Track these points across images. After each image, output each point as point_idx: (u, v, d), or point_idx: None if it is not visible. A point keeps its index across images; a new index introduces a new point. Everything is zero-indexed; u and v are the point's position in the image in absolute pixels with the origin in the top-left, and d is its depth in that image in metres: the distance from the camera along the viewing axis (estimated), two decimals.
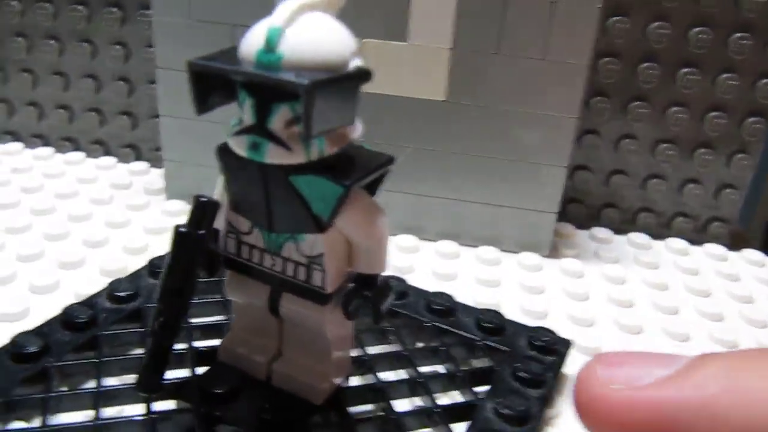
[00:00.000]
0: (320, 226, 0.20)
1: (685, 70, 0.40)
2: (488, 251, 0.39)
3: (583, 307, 0.35)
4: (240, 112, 0.20)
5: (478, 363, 0.28)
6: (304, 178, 0.20)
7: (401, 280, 0.32)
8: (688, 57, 0.40)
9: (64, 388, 0.25)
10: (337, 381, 0.24)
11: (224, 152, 0.21)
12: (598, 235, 0.43)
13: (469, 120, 0.36)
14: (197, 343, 0.28)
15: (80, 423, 0.23)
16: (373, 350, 0.28)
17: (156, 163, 0.46)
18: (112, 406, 0.25)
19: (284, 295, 0.22)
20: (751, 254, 0.42)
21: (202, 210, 0.22)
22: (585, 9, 0.33)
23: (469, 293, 0.35)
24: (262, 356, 0.24)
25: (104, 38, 0.44)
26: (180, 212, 0.40)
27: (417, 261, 0.37)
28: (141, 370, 0.22)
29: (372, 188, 0.21)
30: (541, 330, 0.29)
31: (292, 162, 0.19)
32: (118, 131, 0.47)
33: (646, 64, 0.40)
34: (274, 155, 0.19)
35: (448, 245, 0.39)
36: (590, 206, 0.44)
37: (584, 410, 0.12)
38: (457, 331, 0.29)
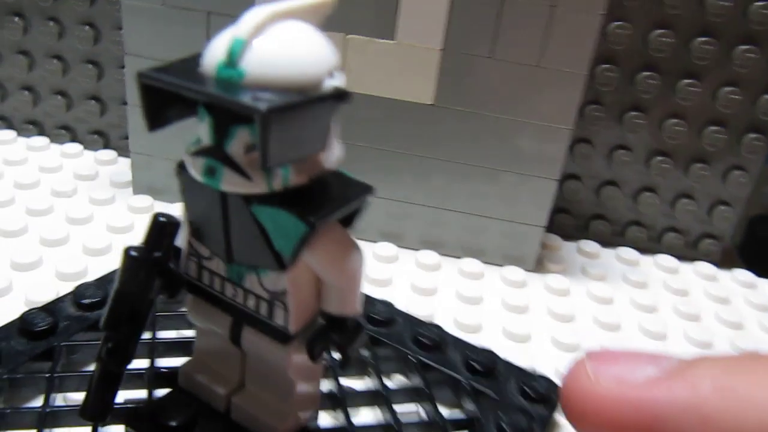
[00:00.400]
0: (281, 263, 0.18)
1: (686, 81, 0.38)
2: (471, 264, 0.37)
3: (569, 328, 0.33)
4: (199, 129, 0.18)
5: (462, 409, 0.26)
6: (267, 210, 0.17)
7: (389, 305, 0.29)
8: (689, 67, 0.38)
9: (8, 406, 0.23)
10: (303, 417, 0.22)
11: (183, 171, 0.19)
12: (586, 248, 0.41)
13: (457, 125, 0.34)
14: (161, 361, 0.26)
15: None
16: (348, 383, 0.26)
17: (124, 152, 0.43)
18: (58, 428, 0.23)
19: (246, 328, 0.20)
20: (742, 275, 0.41)
21: (160, 231, 0.20)
22: (587, 15, 0.31)
23: (450, 311, 0.33)
24: (223, 387, 0.22)
25: (72, 18, 0.41)
26: (146, 209, 0.38)
27: (396, 272, 0.35)
28: (86, 395, 0.20)
29: (349, 219, 0.19)
30: (536, 377, 0.27)
31: (251, 191, 0.17)
32: (86, 116, 0.44)
33: (645, 73, 0.38)
34: (230, 183, 0.17)
35: (429, 255, 0.37)
36: (579, 217, 0.42)
37: (571, 405, 0.12)
38: (443, 369, 0.26)
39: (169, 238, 0.20)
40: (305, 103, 0.16)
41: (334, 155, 0.18)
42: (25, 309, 0.26)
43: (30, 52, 0.43)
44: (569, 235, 0.42)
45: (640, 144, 0.40)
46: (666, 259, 0.41)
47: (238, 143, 0.17)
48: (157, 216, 0.20)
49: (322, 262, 0.18)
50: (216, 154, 0.17)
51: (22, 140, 0.44)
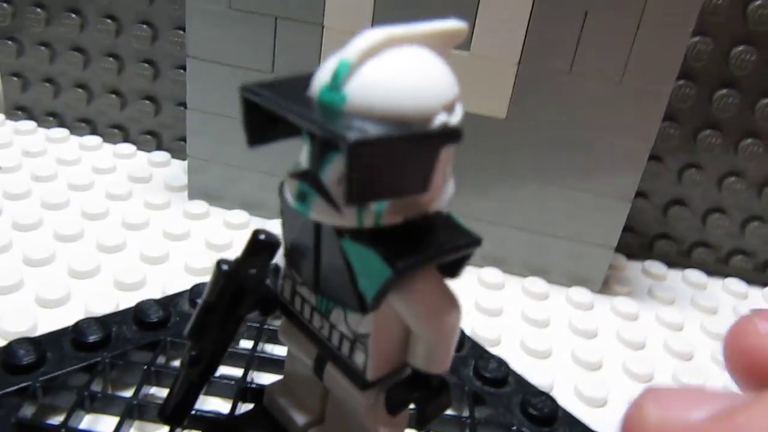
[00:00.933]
0: (363, 305, 0.17)
1: (766, 100, 0.36)
2: (535, 283, 0.35)
3: (640, 356, 0.32)
4: (302, 151, 0.17)
5: None
6: (355, 247, 0.16)
7: (503, 363, 0.27)
8: None
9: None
10: None
11: (282, 192, 0.18)
12: (651, 269, 0.39)
13: (530, 141, 0.33)
14: (256, 375, 0.26)
15: None
16: None
17: (178, 154, 0.42)
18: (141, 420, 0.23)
19: (329, 363, 0.19)
20: None
21: (257, 248, 0.19)
22: (674, 31, 0.30)
23: (516, 334, 0.32)
24: (302, 416, 0.21)
25: (130, 16, 0.41)
26: (202, 215, 0.37)
27: (458, 290, 0.34)
28: (167, 398, 0.21)
29: (453, 269, 0.18)
30: None
31: (339, 224, 0.16)
32: (139, 116, 0.43)
33: (724, 91, 0.36)
34: (319, 211, 0.16)
35: (492, 273, 0.36)
36: (644, 236, 0.41)
37: (736, 359, 0.12)
38: None
39: (265, 257, 0.19)
40: (403, 138, 0.15)
41: (443, 197, 0.17)
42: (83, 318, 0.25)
43: (85, 49, 0.42)
44: (633, 254, 0.40)
45: (713, 163, 0.38)
46: (735, 283, 0.39)
47: (332, 171, 0.16)
48: (256, 233, 0.19)
49: (411, 311, 0.17)
50: (309, 179, 0.16)
51: (75, 138, 0.43)
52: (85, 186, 0.38)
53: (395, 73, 0.15)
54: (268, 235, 0.19)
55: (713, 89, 0.36)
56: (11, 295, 0.29)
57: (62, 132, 0.43)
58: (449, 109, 0.16)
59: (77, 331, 0.24)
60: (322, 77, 0.15)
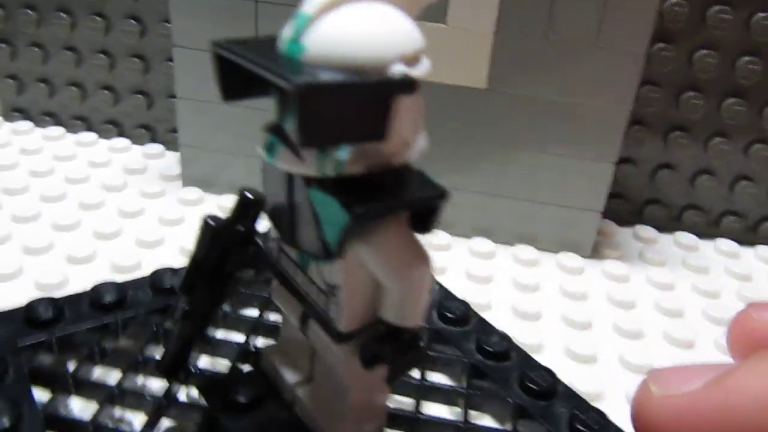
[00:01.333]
0: (328, 254, 0.17)
1: (746, 58, 0.36)
2: (525, 251, 0.36)
3: (630, 316, 0.32)
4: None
5: None
6: (320, 195, 0.17)
7: (506, 338, 0.27)
8: (749, 45, 0.36)
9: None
10: (366, 429, 0.21)
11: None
12: (642, 234, 0.40)
13: (511, 109, 0.33)
14: (259, 340, 0.27)
15: None
16: (429, 410, 0.25)
17: (172, 145, 0.43)
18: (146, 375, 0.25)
19: (311, 319, 0.20)
20: None
21: (244, 206, 0.20)
22: None
23: (507, 299, 0.32)
24: (293, 375, 0.22)
25: (118, 12, 0.41)
26: (197, 201, 0.37)
27: (450, 260, 0.35)
28: (164, 352, 0.22)
29: (424, 224, 0.18)
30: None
31: (302, 172, 0.17)
32: (132, 111, 0.44)
33: (703, 51, 0.37)
34: (284, 160, 0.17)
35: (482, 243, 0.36)
36: (633, 202, 0.41)
37: (737, 346, 0.14)
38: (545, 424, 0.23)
39: (252, 214, 0.20)
40: (350, 85, 0.15)
41: (411, 150, 0.17)
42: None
43: (77, 48, 0.43)
44: (624, 221, 0.41)
45: (696, 125, 0.39)
46: (726, 244, 0.40)
47: (293, 120, 0.16)
48: (242, 191, 0.19)
49: (378, 263, 0.17)
50: (275, 130, 0.17)
51: (71, 136, 0.44)
52: (81, 179, 0.39)
53: (351, 23, 0.15)
54: (254, 193, 0.19)
55: (692, 51, 0.37)
56: (11, 282, 0.30)
57: (58, 130, 0.44)
58: (409, 60, 0.16)
59: (95, 292, 0.26)
60: (286, 32, 0.16)
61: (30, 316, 0.24)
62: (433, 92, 0.33)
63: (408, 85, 0.16)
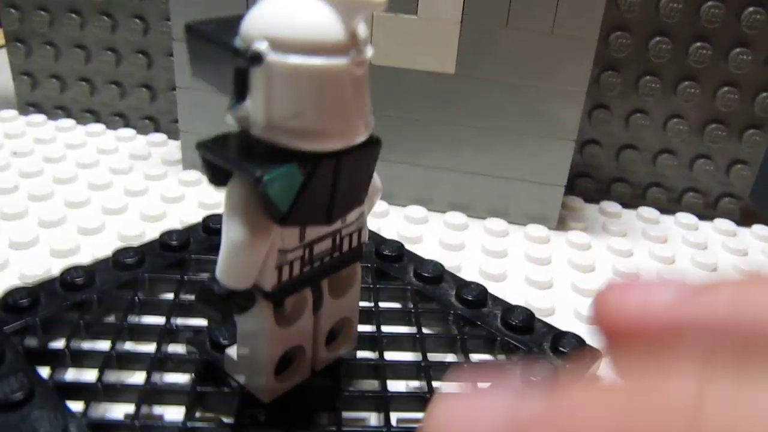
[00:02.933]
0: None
1: (698, 44, 0.40)
2: (496, 223, 0.39)
3: (589, 278, 0.35)
4: None
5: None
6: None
7: (438, 265, 0.31)
8: (700, 31, 0.39)
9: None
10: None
11: None
12: (607, 209, 0.43)
13: (479, 93, 0.37)
14: None
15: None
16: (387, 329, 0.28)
17: (174, 135, 0.47)
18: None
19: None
20: (761, 230, 0.42)
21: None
22: None
23: (476, 263, 0.35)
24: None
25: (124, 12, 0.45)
26: (197, 182, 0.41)
27: (426, 231, 0.38)
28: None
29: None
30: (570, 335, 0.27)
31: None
32: (137, 104, 0.48)
33: (658, 38, 0.40)
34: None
35: (456, 216, 0.40)
36: (600, 181, 0.45)
37: (601, 326, 0.13)
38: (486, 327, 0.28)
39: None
40: (214, 40, 0.18)
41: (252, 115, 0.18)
42: None
43: (86, 46, 0.47)
44: (591, 199, 0.44)
45: (656, 108, 0.42)
46: (686, 217, 0.43)
47: None
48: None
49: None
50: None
51: (81, 127, 0.48)
52: (91, 164, 0.42)
53: (263, 5, 0.18)
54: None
55: (648, 38, 0.40)
56: (29, 250, 0.33)
57: (69, 122, 0.48)
58: (275, 45, 0.17)
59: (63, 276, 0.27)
60: None
61: (6, 304, 0.26)
62: (407, 78, 0.37)
63: (252, 59, 0.17)
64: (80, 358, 0.25)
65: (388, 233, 0.36)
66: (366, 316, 0.28)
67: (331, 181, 0.19)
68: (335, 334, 0.24)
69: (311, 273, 0.21)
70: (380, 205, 0.39)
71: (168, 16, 0.44)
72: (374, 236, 0.33)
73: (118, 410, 0.24)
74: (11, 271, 0.32)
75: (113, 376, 0.25)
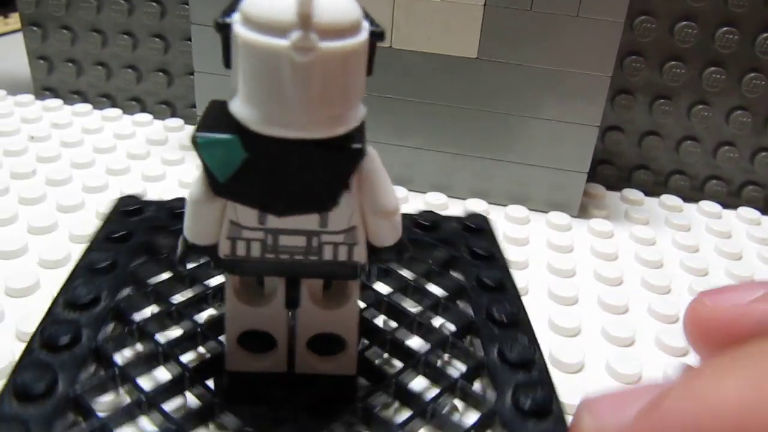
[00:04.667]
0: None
1: (724, 29, 0.39)
2: (517, 210, 0.39)
3: (611, 266, 0.35)
4: None
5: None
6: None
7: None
8: (728, 16, 0.39)
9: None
10: None
11: None
12: (629, 196, 0.42)
13: (501, 78, 0.36)
14: None
15: None
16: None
17: (191, 120, 0.47)
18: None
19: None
20: None
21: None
22: None
23: None
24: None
25: None
26: None
27: None
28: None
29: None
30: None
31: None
32: (154, 88, 0.47)
33: (683, 23, 0.39)
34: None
35: (477, 203, 0.39)
36: (622, 168, 0.44)
37: (695, 332, 0.14)
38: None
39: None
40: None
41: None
42: None
43: (102, 30, 0.46)
44: (613, 186, 0.44)
45: (680, 94, 0.41)
46: (710, 205, 0.42)
47: None
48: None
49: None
50: None
51: (97, 112, 0.47)
52: (108, 149, 0.42)
53: None
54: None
55: (674, 22, 0.39)
56: (49, 235, 0.33)
57: (86, 107, 0.47)
58: (242, 18, 0.17)
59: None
60: None
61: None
62: (429, 62, 0.36)
63: (216, 25, 0.17)
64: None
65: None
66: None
67: (282, 171, 0.18)
68: (332, 349, 0.23)
69: (277, 264, 0.20)
70: (400, 191, 0.39)
71: (185, 0, 0.44)
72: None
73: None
74: (30, 255, 0.31)
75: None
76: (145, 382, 0.22)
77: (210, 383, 0.22)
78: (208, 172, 0.18)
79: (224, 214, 0.20)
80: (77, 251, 0.31)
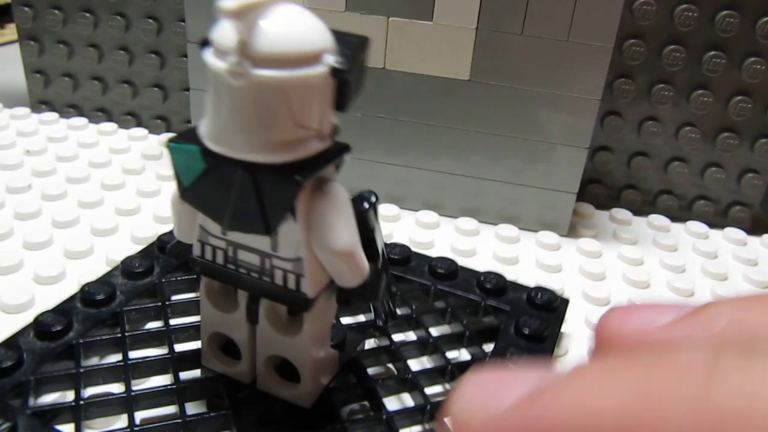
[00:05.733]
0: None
1: (711, 53, 0.40)
2: (507, 229, 0.39)
3: (600, 286, 0.35)
4: None
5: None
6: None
7: (404, 247, 0.32)
8: (714, 40, 0.39)
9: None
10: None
11: None
12: (618, 216, 0.43)
13: (493, 99, 0.37)
14: None
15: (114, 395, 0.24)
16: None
17: None
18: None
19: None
20: None
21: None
22: None
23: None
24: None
25: (137, 12, 0.45)
26: None
27: (437, 236, 0.38)
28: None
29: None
30: (539, 289, 0.31)
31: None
32: (150, 103, 0.48)
33: (671, 47, 0.40)
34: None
35: (467, 222, 0.40)
36: (611, 187, 0.45)
37: (600, 347, 0.14)
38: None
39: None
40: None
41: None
42: (106, 268, 0.30)
43: (99, 45, 0.47)
44: (601, 205, 0.44)
45: (668, 116, 0.42)
46: (697, 225, 0.43)
47: None
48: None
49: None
50: None
51: (93, 126, 0.48)
52: (103, 163, 0.42)
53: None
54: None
55: (661, 46, 0.40)
56: (43, 251, 0.34)
57: (82, 121, 0.48)
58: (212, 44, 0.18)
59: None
60: None
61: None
62: (422, 83, 0.37)
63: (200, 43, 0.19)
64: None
65: (399, 238, 0.36)
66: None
67: (228, 187, 0.19)
68: (295, 376, 0.23)
69: (237, 276, 0.21)
70: (392, 210, 0.40)
71: (182, 17, 0.44)
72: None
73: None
74: (26, 271, 0.32)
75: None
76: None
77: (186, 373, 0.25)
78: (176, 175, 0.20)
79: (196, 218, 0.21)
80: (72, 267, 0.32)
